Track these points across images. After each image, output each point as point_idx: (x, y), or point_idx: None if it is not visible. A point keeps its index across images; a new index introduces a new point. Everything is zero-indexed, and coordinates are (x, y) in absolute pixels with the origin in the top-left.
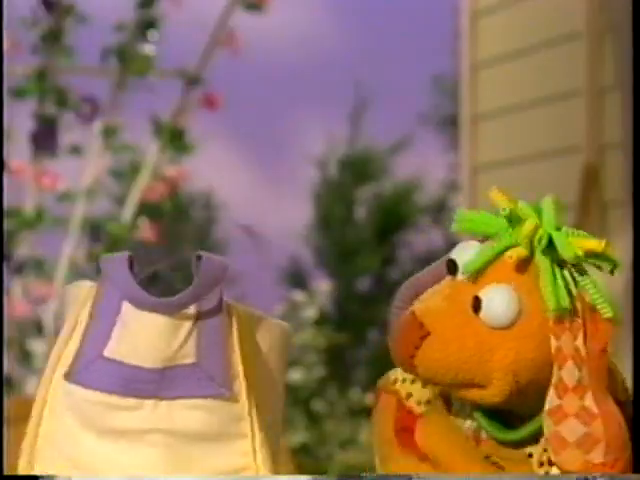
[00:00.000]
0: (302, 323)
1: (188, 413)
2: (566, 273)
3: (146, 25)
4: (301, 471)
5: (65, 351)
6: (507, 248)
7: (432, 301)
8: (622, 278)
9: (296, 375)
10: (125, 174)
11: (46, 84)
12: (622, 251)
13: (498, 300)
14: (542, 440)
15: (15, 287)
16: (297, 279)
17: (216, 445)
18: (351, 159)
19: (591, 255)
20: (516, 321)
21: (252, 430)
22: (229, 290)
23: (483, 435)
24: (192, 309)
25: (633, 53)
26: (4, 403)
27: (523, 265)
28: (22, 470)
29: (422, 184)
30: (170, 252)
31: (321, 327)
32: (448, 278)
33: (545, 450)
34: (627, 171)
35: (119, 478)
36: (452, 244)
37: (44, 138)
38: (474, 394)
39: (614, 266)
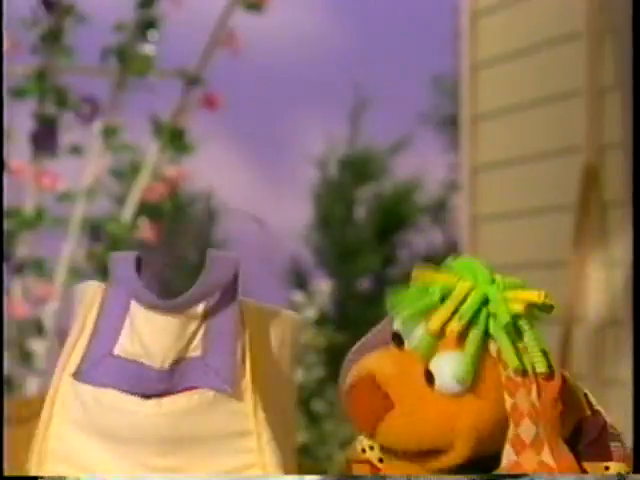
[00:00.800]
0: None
1: (192, 410)
2: (505, 331)
3: (146, 25)
4: (301, 471)
5: (74, 351)
6: (446, 322)
7: (390, 368)
8: (622, 278)
9: (296, 375)
10: (125, 174)
11: (46, 84)
12: (622, 251)
13: (448, 370)
14: None
15: (15, 287)
16: (297, 279)
17: (220, 442)
18: (351, 159)
19: (532, 307)
20: (470, 386)
21: (258, 428)
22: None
23: None
24: (201, 306)
25: (633, 53)
26: (4, 403)
27: (466, 331)
28: (32, 471)
29: (422, 184)
30: (170, 252)
31: (321, 327)
32: (394, 347)
33: None
34: (627, 171)
35: (121, 478)
36: (452, 244)
37: (44, 138)
38: (440, 461)
39: (551, 312)
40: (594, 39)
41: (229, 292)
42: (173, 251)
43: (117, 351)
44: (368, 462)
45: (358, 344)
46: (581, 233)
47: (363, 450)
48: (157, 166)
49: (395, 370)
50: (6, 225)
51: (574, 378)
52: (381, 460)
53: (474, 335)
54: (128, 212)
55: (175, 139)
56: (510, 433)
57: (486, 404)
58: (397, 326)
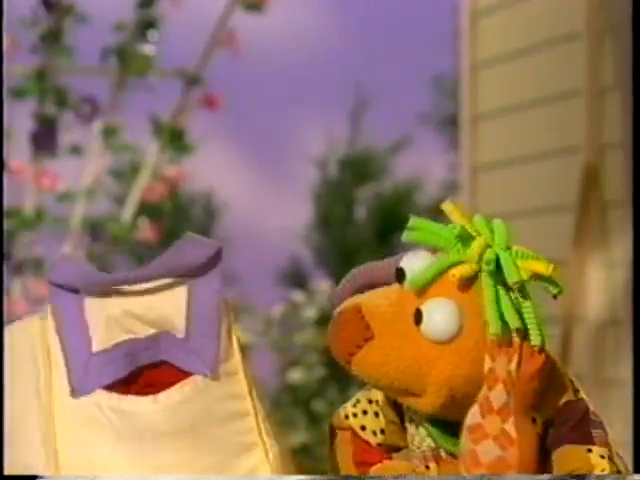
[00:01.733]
0: (302, 323)
1: (187, 400)
2: (511, 296)
3: (146, 25)
4: (301, 471)
5: (52, 377)
6: (453, 265)
7: (379, 302)
8: (622, 278)
9: (296, 375)
10: (125, 174)
11: (46, 84)
12: (622, 251)
13: (439, 315)
14: None
15: (15, 287)
16: (297, 279)
17: (221, 426)
18: (351, 159)
19: (538, 278)
20: (455, 337)
21: (254, 407)
22: (229, 290)
23: (442, 454)
24: (183, 287)
25: (633, 53)
26: (4, 403)
27: (467, 283)
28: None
29: (422, 184)
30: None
31: (321, 327)
32: (396, 284)
33: None
34: (627, 171)
35: (120, 478)
36: None
37: (44, 138)
38: (409, 401)
39: (559, 291)
40: (594, 39)
41: (212, 275)
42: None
43: (96, 347)
44: (350, 429)
45: (361, 269)
46: (581, 233)
47: (346, 416)
48: (157, 166)
49: (384, 305)
50: (6, 225)
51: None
52: (363, 428)
53: (488, 286)
54: (128, 212)
55: (175, 139)
56: (481, 395)
57: (465, 360)
58: (402, 263)
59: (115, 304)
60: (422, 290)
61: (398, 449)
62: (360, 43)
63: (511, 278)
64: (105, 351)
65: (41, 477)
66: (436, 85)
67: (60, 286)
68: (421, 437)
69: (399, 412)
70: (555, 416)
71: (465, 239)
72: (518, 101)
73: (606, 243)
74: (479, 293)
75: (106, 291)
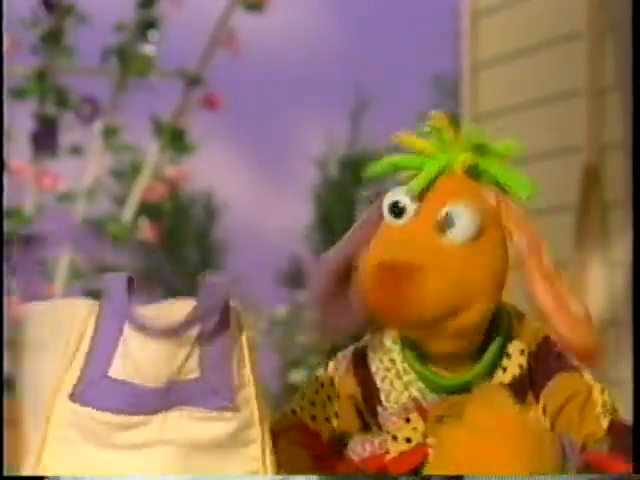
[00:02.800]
0: (304, 324)
1: (198, 424)
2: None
3: (146, 25)
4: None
5: (69, 371)
6: (445, 167)
7: (393, 248)
8: (623, 278)
9: (299, 376)
10: (125, 174)
11: (46, 84)
12: (623, 251)
13: (464, 215)
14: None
15: (15, 287)
16: (297, 279)
17: (228, 453)
18: (351, 159)
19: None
20: (482, 233)
21: (262, 435)
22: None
23: (424, 402)
24: (195, 330)
25: (633, 52)
26: (4, 404)
27: (467, 181)
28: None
29: None
30: (170, 252)
31: None
32: (392, 224)
33: None
34: (627, 171)
35: (123, 477)
36: None
37: (44, 138)
38: (456, 322)
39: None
40: (594, 39)
41: (222, 315)
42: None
43: (113, 373)
44: (299, 422)
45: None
46: (582, 233)
47: (293, 412)
48: (157, 166)
49: (399, 242)
50: (6, 226)
51: None
52: (314, 417)
53: (471, 183)
54: (128, 212)
55: (175, 139)
56: (529, 268)
57: (498, 253)
58: (396, 197)
59: (141, 342)
60: (429, 205)
61: (345, 444)
62: (361, 43)
63: (505, 150)
64: (117, 381)
65: (41, 477)
66: (437, 85)
67: (117, 301)
68: (399, 391)
69: (369, 382)
70: (538, 349)
71: (438, 139)
72: (519, 101)
73: (607, 243)
74: (477, 188)
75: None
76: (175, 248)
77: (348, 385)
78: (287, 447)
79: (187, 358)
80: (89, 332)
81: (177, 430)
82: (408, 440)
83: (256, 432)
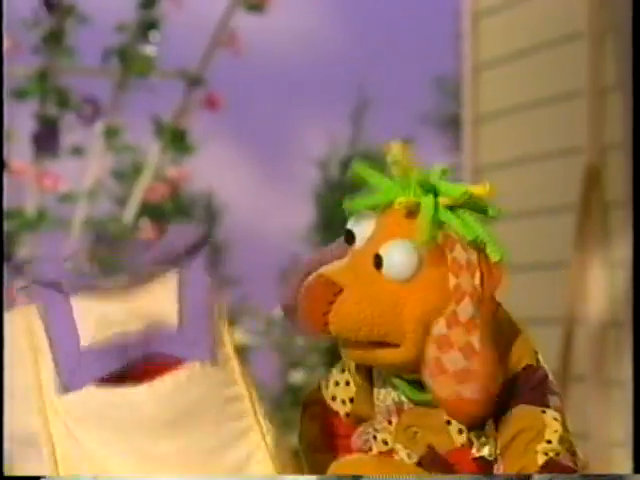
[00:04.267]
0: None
1: (183, 387)
2: (458, 213)
3: (147, 26)
4: (302, 471)
5: (42, 374)
6: (392, 195)
7: (338, 265)
8: (623, 279)
9: (298, 376)
10: (126, 175)
11: (47, 85)
12: (623, 252)
13: (397, 254)
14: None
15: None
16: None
17: (218, 411)
18: (353, 160)
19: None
20: (417, 272)
21: (248, 391)
22: (230, 292)
23: (405, 406)
24: (170, 274)
25: (634, 53)
26: (4, 404)
27: (414, 218)
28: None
29: None
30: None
31: None
32: (347, 250)
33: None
34: (628, 171)
35: (122, 477)
36: None
37: (45, 139)
38: (387, 354)
39: (497, 213)
40: (596, 39)
41: (196, 262)
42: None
43: (85, 342)
44: (319, 403)
45: (307, 260)
46: (583, 234)
47: (319, 388)
48: (158, 167)
49: (343, 264)
50: (7, 226)
51: (575, 379)
52: (334, 398)
53: (422, 217)
54: (130, 213)
55: (176, 140)
56: (447, 310)
57: (434, 291)
58: (349, 225)
59: (103, 302)
60: (373, 238)
61: (364, 420)
62: (362, 44)
63: (455, 192)
64: (94, 347)
65: (44, 477)
66: (438, 86)
67: (47, 286)
68: (385, 393)
69: (368, 377)
70: (516, 378)
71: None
72: (520, 102)
73: (608, 244)
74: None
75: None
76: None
77: (360, 377)
78: (307, 421)
79: (165, 304)
80: (41, 332)
81: (164, 398)
82: (385, 442)
83: (241, 389)
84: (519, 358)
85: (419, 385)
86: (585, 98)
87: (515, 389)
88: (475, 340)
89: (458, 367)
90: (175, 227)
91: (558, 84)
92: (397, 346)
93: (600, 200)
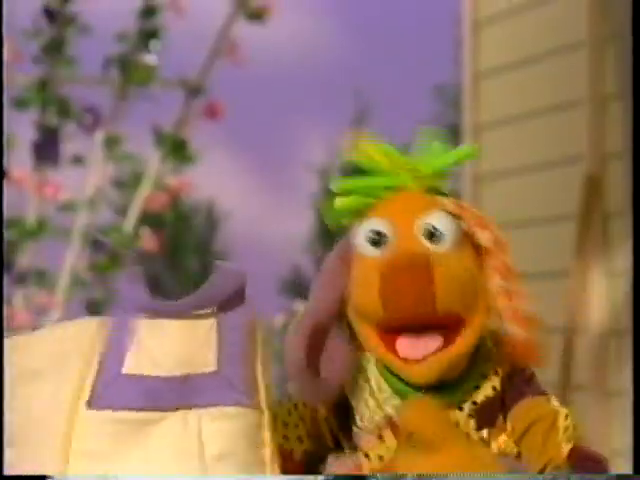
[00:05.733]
0: None
1: (215, 424)
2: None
3: (148, 35)
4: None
5: (85, 384)
6: (400, 185)
7: (401, 253)
8: (624, 287)
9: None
10: (127, 184)
11: (48, 94)
12: (624, 261)
13: (444, 220)
14: (466, 408)
15: (17, 297)
16: (298, 288)
17: (244, 456)
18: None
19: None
20: (462, 240)
21: (272, 439)
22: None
23: (397, 419)
24: (212, 318)
25: (634, 62)
26: (4, 406)
27: (427, 195)
28: None
29: None
30: (172, 262)
31: None
32: (368, 259)
33: (470, 417)
34: (628, 181)
35: (130, 478)
36: None
37: (46, 148)
38: (464, 331)
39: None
40: (596, 48)
41: (239, 306)
42: (175, 261)
43: (127, 370)
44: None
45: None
46: (583, 242)
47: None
48: (159, 176)
49: (400, 252)
50: (8, 235)
51: (576, 388)
52: (286, 437)
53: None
54: (130, 222)
55: (177, 149)
56: (491, 263)
57: (467, 261)
58: (373, 226)
59: (154, 335)
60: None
61: (318, 464)
62: (362, 53)
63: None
64: (132, 377)
65: (50, 477)
66: (438, 94)
67: (130, 308)
68: (372, 411)
69: (334, 409)
70: (511, 373)
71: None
72: (520, 110)
73: (608, 253)
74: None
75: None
76: (176, 258)
77: (322, 408)
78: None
79: (205, 348)
80: (99, 345)
81: (194, 431)
82: (381, 458)
83: (267, 436)
84: (509, 353)
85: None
86: (585, 107)
87: (515, 383)
88: (521, 287)
89: (527, 314)
90: (223, 267)
91: (558, 93)
92: (476, 310)
93: (600, 209)
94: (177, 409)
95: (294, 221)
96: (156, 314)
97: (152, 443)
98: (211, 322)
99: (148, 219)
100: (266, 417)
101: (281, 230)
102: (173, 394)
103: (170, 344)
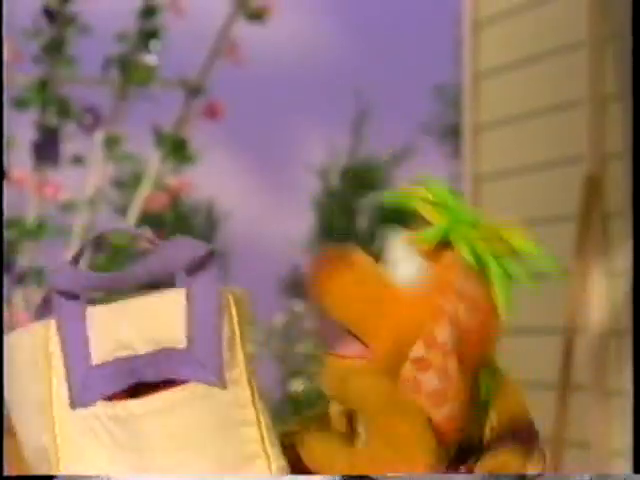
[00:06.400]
0: (303, 333)
1: (183, 405)
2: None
3: (148, 35)
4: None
5: (53, 389)
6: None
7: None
8: (624, 288)
9: (298, 385)
10: (127, 184)
11: (48, 94)
12: (624, 261)
13: (402, 255)
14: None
15: (16, 297)
16: (298, 289)
17: (223, 433)
18: (352, 169)
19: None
20: (419, 279)
21: (257, 417)
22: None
23: None
24: (179, 293)
25: (633, 62)
26: (4, 408)
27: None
28: None
29: None
30: None
31: None
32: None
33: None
34: (628, 181)
35: (122, 477)
36: None
37: (46, 148)
38: (356, 353)
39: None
40: (596, 48)
41: (206, 279)
42: None
43: (96, 360)
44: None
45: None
46: (583, 243)
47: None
48: (159, 176)
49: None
50: (8, 235)
51: (576, 388)
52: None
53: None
54: (130, 222)
55: (177, 149)
56: (426, 330)
57: (421, 307)
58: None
59: (114, 318)
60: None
61: None
62: (362, 53)
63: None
64: (104, 364)
65: (55, 477)
66: (438, 94)
67: (62, 293)
68: None
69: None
70: (500, 425)
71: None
72: (520, 110)
73: (608, 253)
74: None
75: (106, 296)
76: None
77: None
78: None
79: (174, 324)
80: (55, 346)
81: (170, 412)
82: None
83: (250, 413)
84: (513, 409)
85: None
86: (585, 107)
87: (501, 433)
88: (450, 365)
89: (433, 389)
90: (175, 241)
91: (558, 93)
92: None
93: (600, 209)
94: (149, 392)
95: (294, 221)
96: (102, 288)
97: (129, 435)
98: (177, 296)
99: (148, 219)
100: (245, 394)
101: (281, 230)
102: (149, 368)
103: (136, 323)
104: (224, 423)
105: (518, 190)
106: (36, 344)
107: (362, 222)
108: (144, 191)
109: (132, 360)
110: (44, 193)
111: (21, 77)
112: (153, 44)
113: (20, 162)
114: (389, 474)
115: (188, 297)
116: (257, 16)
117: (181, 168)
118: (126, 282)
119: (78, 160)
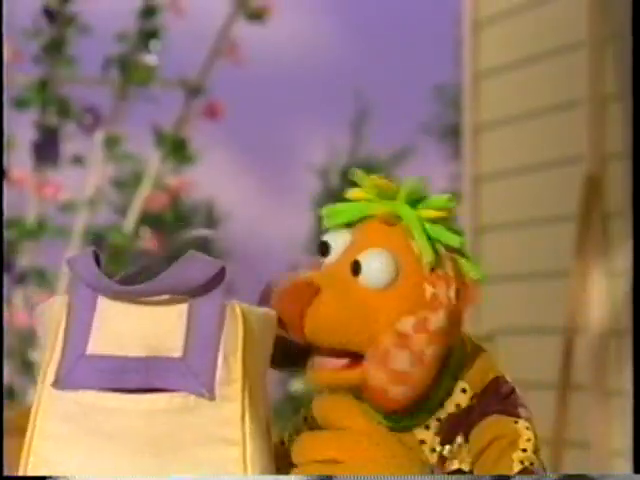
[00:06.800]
0: None
1: (171, 412)
2: (437, 228)
3: (148, 35)
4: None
5: (51, 363)
6: (372, 208)
7: (317, 270)
8: (624, 287)
9: (297, 385)
10: (127, 184)
11: (48, 94)
12: (624, 261)
13: (376, 262)
14: (432, 425)
15: (17, 297)
16: None
17: (202, 449)
18: (352, 169)
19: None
20: (394, 281)
21: (244, 437)
22: (228, 299)
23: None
24: (184, 305)
25: (634, 62)
26: (4, 410)
27: (394, 228)
28: None
29: None
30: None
31: None
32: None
33: (436, 434)
34: (628, 181)
35: (122, 477)
36: None
37: (46, 148)
38: (356, 373)
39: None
40: (596, 48)
41: (213, 294)
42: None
43: (90, 350)
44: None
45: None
46: (583, 243)
47: (282, 443)
48: (159, 176)
49: (321, 270)
50: (8, 235)
51: (576, 388)
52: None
53: (412, 218)
54: (130, 222)
55: (177, 149)
56: (420, 313)
57: (408, 302)
58: (325, 237)
59: (120, 316)
60: (354, 244)
61: None
62: (362, 53)
63: (440, 203)
64: (95, 357)
65: (50, 477)
66: (438, 95)
67: (86, 283)
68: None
69: None
70: (485, 390)
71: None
72: (520, 111)
73: (608, 253)
74: (407, 234)
75: (115, 297)
76: (176, 258)
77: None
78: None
79: (172, 333)
80: (64, 323)
81: (151, 422)
82: None
83: (236, 433)
84: (486, 372)
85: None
86: (585, 107)
87: (485, 400)
88: (430, 352)
89: (401, 369)
90: (194, 257)
91: (558, 93)
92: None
93: (600, 209)
94: (140, 391)
95: (294, 222)
96: (114, 297)
97: (111, 428)
98: (182, 308)
99: (148, 219)
100: (235, 413)
101: (281, 231)
102: (137, 375)
103: (138, 327)
104: (206, 438)
105: (518, 190)
106: (50, 315)
107: None
108: (144, 191)
109: (122, 361)
110: (44, 193)
111: (21, 77)
112: (153, 44)
113: (20, 162)
114: (389, 474)
115: (190, 307)
116: (257, 16)
117: (181, 168)
118: (140, 296)
119: (78, 160)
